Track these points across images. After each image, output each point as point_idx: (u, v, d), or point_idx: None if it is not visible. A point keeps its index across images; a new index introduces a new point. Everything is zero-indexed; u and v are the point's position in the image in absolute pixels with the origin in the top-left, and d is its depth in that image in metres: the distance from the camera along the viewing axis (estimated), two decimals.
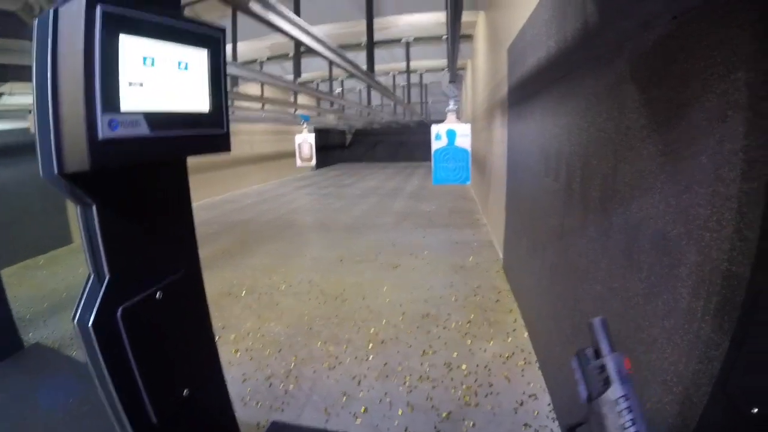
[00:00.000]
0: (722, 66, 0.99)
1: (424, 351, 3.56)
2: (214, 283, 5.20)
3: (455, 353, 3.49)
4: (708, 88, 1.06)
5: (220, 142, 0.86)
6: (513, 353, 3.44)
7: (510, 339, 3.68)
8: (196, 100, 0.77)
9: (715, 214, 1.01)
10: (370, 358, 3.52)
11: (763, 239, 0.77)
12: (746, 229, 0.88)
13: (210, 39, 0.78)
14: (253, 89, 10.44)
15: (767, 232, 0.77)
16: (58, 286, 5.46)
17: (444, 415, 2.75)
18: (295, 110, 12.16)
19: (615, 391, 0.52)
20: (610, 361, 0.56)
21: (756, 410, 0.70)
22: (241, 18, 3.12)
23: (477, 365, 3.31)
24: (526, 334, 3.70)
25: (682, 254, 1.16)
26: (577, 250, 2.19)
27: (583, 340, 2.04)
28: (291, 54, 6.97)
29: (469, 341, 3.68)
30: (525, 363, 3.28)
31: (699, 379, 1.03)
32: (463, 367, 3.29)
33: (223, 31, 0.81)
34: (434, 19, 7.62)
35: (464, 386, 3.05)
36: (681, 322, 1.15)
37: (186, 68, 0.74)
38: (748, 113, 0.89)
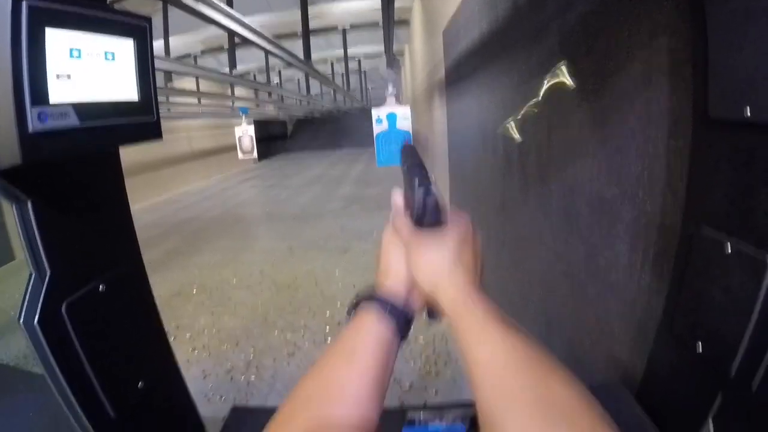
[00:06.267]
0: (645, 35, 1.06)
1: None
2: (163, 284, 5.02)
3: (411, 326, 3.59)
4: (633, 56, 1.13)
5: (151, 130, 0.86)
6: None
7: None
8: (125, 89, 0.78)
9: (645, 171, 1.09)
10: (329, 341, 3.53)
11: (690, 190, 0.85)
12: (675, 182, 0.96)
13: (136, 28, 0.78)
14: (189, 84, 10.00)
15: (693, 183, 0.84)
16: (5, 305, 5.02)
17: (407, 386, 2.83)
18: (233, 103, 11.78)
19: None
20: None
21: (701, 347, 0.76)
22: (173, 12, 2.99)
23: (434, 336, 3.39)
24: None
25: (618, 212, 1.24)
26: (520, 219, 2.28)
27: (532, 305, 2.15)
28: (226, 46, 6.73)
29: (423, 314, 3.77)
30: None
31: (645, 326, 1.12)
32: (420, 339, 3.37)
33: (148, 20, 0.81)
34: (370, 6, 7.59)
35: (423, 357, 3.14)
36: (623, 275, 1.23)
37: (113, 58, 0.74)
38: (670, 76, 0.96)
